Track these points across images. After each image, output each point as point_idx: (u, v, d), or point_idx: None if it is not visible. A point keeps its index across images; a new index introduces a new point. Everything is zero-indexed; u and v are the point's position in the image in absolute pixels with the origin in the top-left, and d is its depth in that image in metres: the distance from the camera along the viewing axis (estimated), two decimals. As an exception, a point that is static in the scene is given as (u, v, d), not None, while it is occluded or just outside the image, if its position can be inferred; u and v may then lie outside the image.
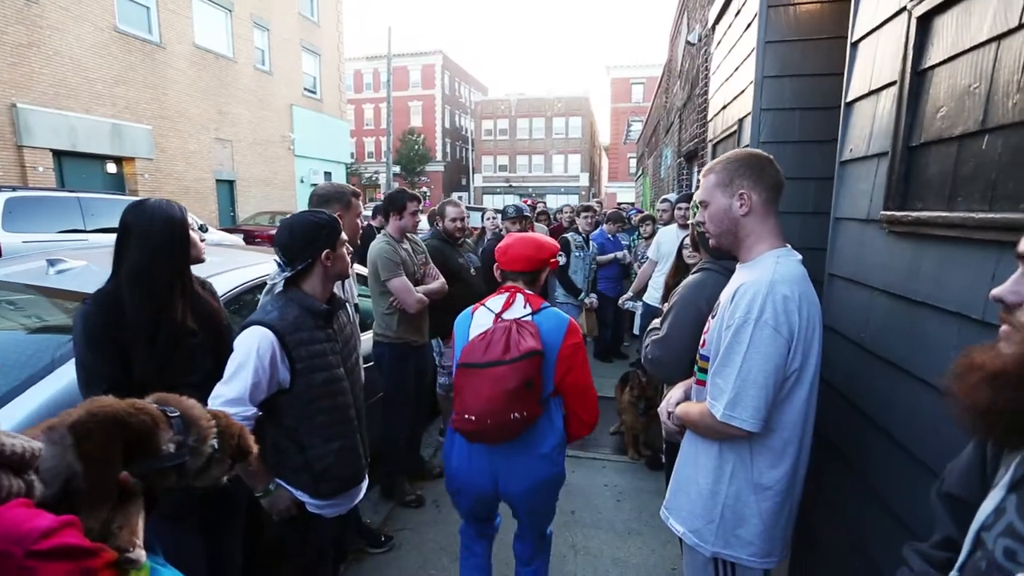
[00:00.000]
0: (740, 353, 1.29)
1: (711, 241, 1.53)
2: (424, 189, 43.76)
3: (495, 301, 1.97)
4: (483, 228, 6.16)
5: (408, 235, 3.24)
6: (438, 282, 3.26)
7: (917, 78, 1.42)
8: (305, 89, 19.94)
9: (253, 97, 17.19)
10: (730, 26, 3.81)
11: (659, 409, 1.71)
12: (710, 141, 4.44)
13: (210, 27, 15.19)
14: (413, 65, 44.19)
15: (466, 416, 1.75)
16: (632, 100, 41.43)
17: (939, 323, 1.27)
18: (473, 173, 46.00)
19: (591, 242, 5.37)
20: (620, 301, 4.79)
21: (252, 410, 1.54)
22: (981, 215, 1.11)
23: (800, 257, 1.41)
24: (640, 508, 3.20)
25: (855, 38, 1.82)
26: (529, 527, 2.06)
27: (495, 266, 2.07)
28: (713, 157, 4.37)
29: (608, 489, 3.43)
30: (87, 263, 2.46)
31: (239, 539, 1.83)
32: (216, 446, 0.91)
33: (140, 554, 0.77)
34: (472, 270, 3.88)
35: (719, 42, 4.23)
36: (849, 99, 1.84)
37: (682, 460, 1.57)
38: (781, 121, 3.05)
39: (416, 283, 3.12)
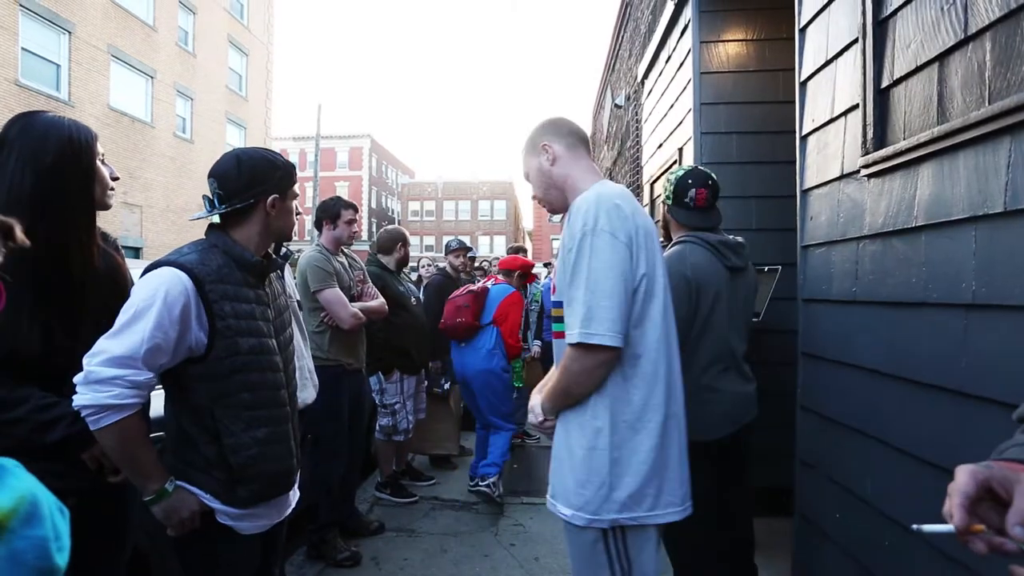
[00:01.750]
0: (584, 267, 1.24)
1: (545, 207, 1.53)
2: (349, 267, 42.95)
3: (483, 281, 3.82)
4: (419, 276, 5.97)
5: (344, 249, 2.97)
6: (377, 301, 2.97)
7: (879, 28, 1.47)
8: (227, 160, 19.40)
9: (171, 164, 16.46)
10: (661, 72, 4.08)
11: (529, 421, 1.53)
12: (647, 182, 4.61)
13: (128, 90, 14.65)
14: (341, 147, 44.78)
15: (442, 320, 3.58)
16: (554, 186, 43.88)
17: (948, 237, 1.22)
18: (400, 252, 45.91)
19: (531, 287, 5.27)
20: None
21: (146, 375, 1.16)
22: (984, 109, 1.09)
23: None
24: (607, 548, 2.87)
25: (802, 24, 1.92)
26: (485, 408, 3.58)
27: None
28: (651, 195, 4.54)
29: (569, 532, 3.08)
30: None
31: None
32: None
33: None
34: (413, 300, 3.61)
35: (650, 91, 4.52)
36: (803, 79, 1.91)
37: (556, 440, 1.40)
38: (720, 144, 3.19)
39: (352, 300, 2.81)
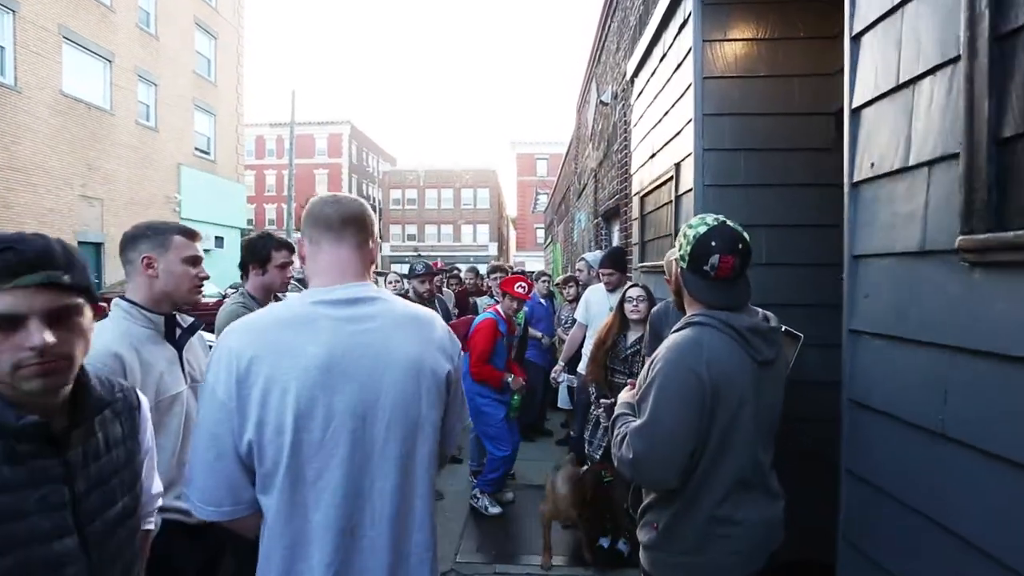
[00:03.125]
0: None
1: None
2: (330, 257, 41.98)
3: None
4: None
5: (278, 296, 2.44)
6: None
7: (998, 46, 0.99)
8: (197, 149, 18.53)
9: (134, 154, 15.57)
10: (654, 72, 3.58)
11: None
12: (636, 194, 4.12)
13: (83, 75, 13.71)
14: (319, 133, 43.57)
15: None
16: (537, 174, 43.25)
17: None
18: (381, 242, 45.08)
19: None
20: (552, 376, 4.17)
21: None
22: None
23: (349, 295, 1.12)
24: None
25: (857, 30, 1.43)
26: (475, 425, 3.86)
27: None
28: (641, 210, 4.05)
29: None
30: None
31: None
32: None
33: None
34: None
35: (640, 92, 4.01)
36: (857, 103, 1.42)
37: None
38: (725, 163, 2.71)
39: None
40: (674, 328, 1.50)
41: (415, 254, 44.01)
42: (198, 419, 1.07)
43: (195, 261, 1.64)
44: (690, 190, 2.80)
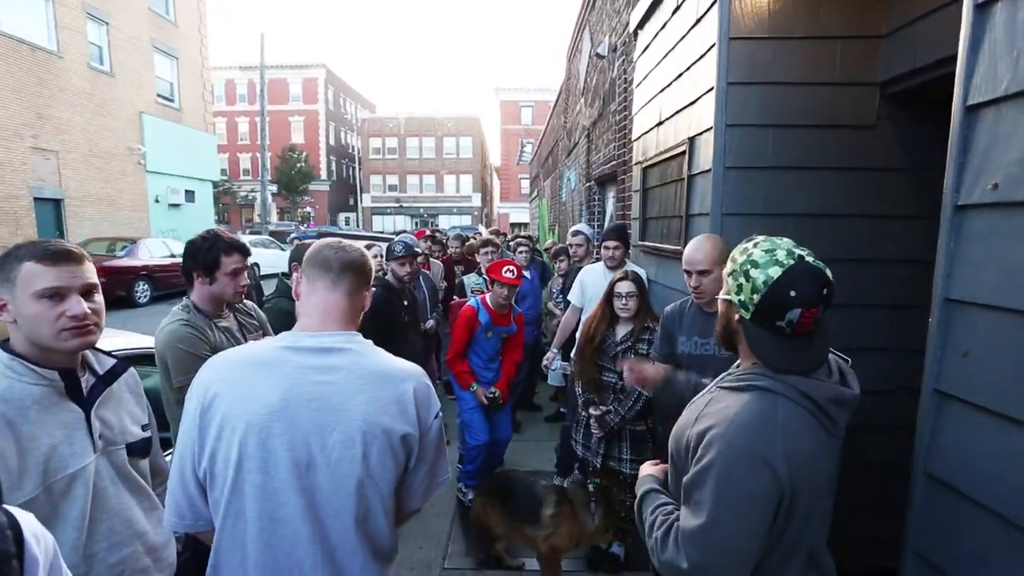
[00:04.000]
0: None
1: None
2: (308, 209, 40.79)
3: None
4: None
5: (235, 305, 2.05)
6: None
7: None
8: (159, 95, 17.32)
9: (88, 101, 14.45)
10: (664, 26, 3.13)
11: None
12: (637, 164, 3.73)
13: (21, 12, 12.45)
14: (294, 78, 41.35)
15: None
16: (522, 122, 41.86)
17: None
18: (361, 192, 43.79)
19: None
20: (544, 362, 3.88)
21: None
22: None
23: (322, 344, 1.13)
24: None
25: (981, -5, 1.05)
26: None
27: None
28: (643, 182, 3.67)
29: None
30: None
31: None
32: None
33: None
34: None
35: (646, 48, 3.55)
36: (976, 100, 1.07)
37: None
38: (752, 141, 2.34)
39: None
40: (728, 382, 1.17)
41: (397, 205, 42.88)
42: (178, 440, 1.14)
43: (56, 295, 1.19)
44: (708, 171, 2.44)
